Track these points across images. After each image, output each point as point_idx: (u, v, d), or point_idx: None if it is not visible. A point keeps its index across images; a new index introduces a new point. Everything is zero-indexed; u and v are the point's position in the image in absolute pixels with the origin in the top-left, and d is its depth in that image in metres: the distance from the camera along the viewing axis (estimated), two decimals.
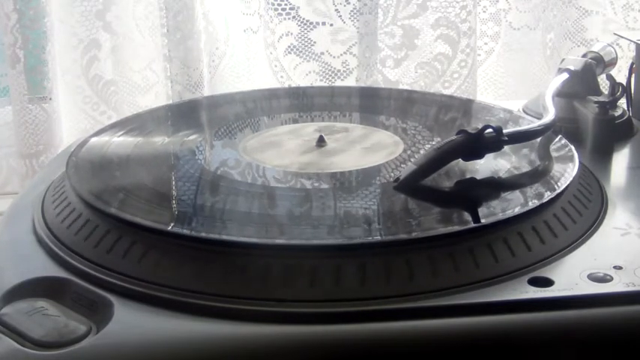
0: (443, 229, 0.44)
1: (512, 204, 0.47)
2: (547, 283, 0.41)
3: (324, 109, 0.69)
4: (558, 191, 0.48)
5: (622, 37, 0.73)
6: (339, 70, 0.90)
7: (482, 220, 0.44)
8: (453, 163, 0.51)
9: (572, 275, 0.42)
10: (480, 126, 0.51)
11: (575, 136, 0.60)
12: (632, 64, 0.68)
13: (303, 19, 0.88)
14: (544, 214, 0.46)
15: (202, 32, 0.86)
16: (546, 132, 0.56)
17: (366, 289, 0.40)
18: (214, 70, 0.88)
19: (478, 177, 0.51)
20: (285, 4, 0.87)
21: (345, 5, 0.88)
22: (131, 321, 0.39)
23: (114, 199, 0.48)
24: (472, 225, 0.44)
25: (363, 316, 0.39)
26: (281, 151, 0.57)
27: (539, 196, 0.47)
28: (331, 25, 0.88)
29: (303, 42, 0.89)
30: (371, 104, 0.72)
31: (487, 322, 0.39)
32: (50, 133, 0.84)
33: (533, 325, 0.39)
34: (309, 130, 0.62)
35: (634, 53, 0.70)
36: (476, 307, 0.39)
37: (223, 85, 0.89)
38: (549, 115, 0.57)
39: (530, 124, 0.57)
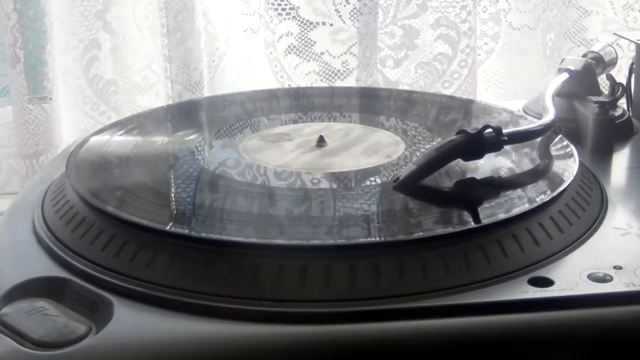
0: (442, 230, 0.44)
1: (513, 204, 0.47)
2: (547, 283, 0.41)
3: (324, 110, 0.69)
4: (558, 191, 0.48)
5: (622, 37, 0.73)
6: (339, 70, 0.90)
7: (482, 221, 0.44)
8: (453, 163, 0.51)
9: (572, 275, 0.42)
10: (479, 126, 0.51)
11: (575, 136, 0.60)
12: (632, 64, 0.68)
13: (303, 19, 0.88)
14: (544, 214, 0.46)
15: (202, 32, 0.86)
16: (546, 132, 0.56)
17: (366, 290, 0.40)
18: (214, 70, 0.88)
19: (478, 177, 0.51)
20: (285, 4, 0.87)
21: (345, 5, 0.88)
22: (131, 321, 0.39)
23: (114, 198, 0.48)
24: (472, 225, 0.44)
25: (363, 317, 0.39)
26: (281, 151, 0.57)
27: (539, 196, 0.47)
28: (331, 25, 0.88)
29: (303, 42, 0.89)
30: (371, 104, 0.72)
31: (487, 322, 0.39)
32: (50, 133, 0.84)
33: (533, 325, 0.39)
34: (309, 130, 0.62)
35: (634, 53, 0.70)
36: (476, 307, 0.39)
37: (223, 85, 0.89)
38: (549, 115, 0.57)
39: (530, 124, 0.57)
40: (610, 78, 0.65)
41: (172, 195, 0.51)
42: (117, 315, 0.39)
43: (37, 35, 0.81)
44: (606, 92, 0.65)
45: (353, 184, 0.52)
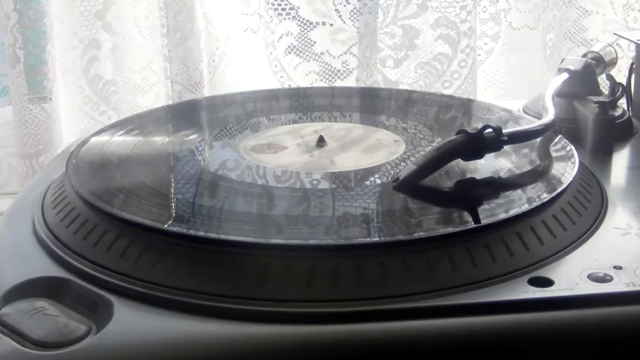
0: (442, 230, 0.44)
1: (512, 204, 0.47)
2: (547, 283, 0.41)
3: (324, 110, 0.69)
4: (558, 191, 0.48)
5: (622, 37, 0.73)
6: (339, 70, 0.90)
7: (482, 221, 0.44)
8: (453, 163, 0.51)
9: (572, 275, 0.42)
10: (479, 126, 0.51)
11: (575, 136, 0.60)
12: (632, 64, 0.68)
13: (303, 19, 0.88)
14: (544, 214, 0.46)
15: (202, 32, 0.86)
16: (546, 132, 0.56)
17: (365, 289, 0.40)
18: (214, 70, 0.88)
19: (478, 177, 0.51)
20: (285, 4, 0.88)
21: (345, 5, 0.88)
22: (131, 321, 0.39)
23: (114, 198, 0.48)
24: (472, 225, 0.44)
25: (362, 316, 0.39)
26: (281, 152, 0.57)
27: (539, 196, 0.47)
28: (331, 25, 0.88)
29: (303, 42, 0.89)
30: (371, 104, 0.72)
31: (487, 322, 0.39)
32: (50, 133, 0.84)
33: (533, 325, 0.39)
34: (309, 130, 0.62)
35: (634, 53, 0.70)
36: (476, 307, 0.39)
37: (223, 85, 0.89)
38: (549, 115, 0.57)
39: (530, 124, 0.57)
40: (610, 78, 0.65)
41: (173, 195, 0.51)
42: (117, 315, 0.39)
43: (37, 35, 0.81)
44: (606, 92, 0.65)
45: (353, 184, 0.52)
